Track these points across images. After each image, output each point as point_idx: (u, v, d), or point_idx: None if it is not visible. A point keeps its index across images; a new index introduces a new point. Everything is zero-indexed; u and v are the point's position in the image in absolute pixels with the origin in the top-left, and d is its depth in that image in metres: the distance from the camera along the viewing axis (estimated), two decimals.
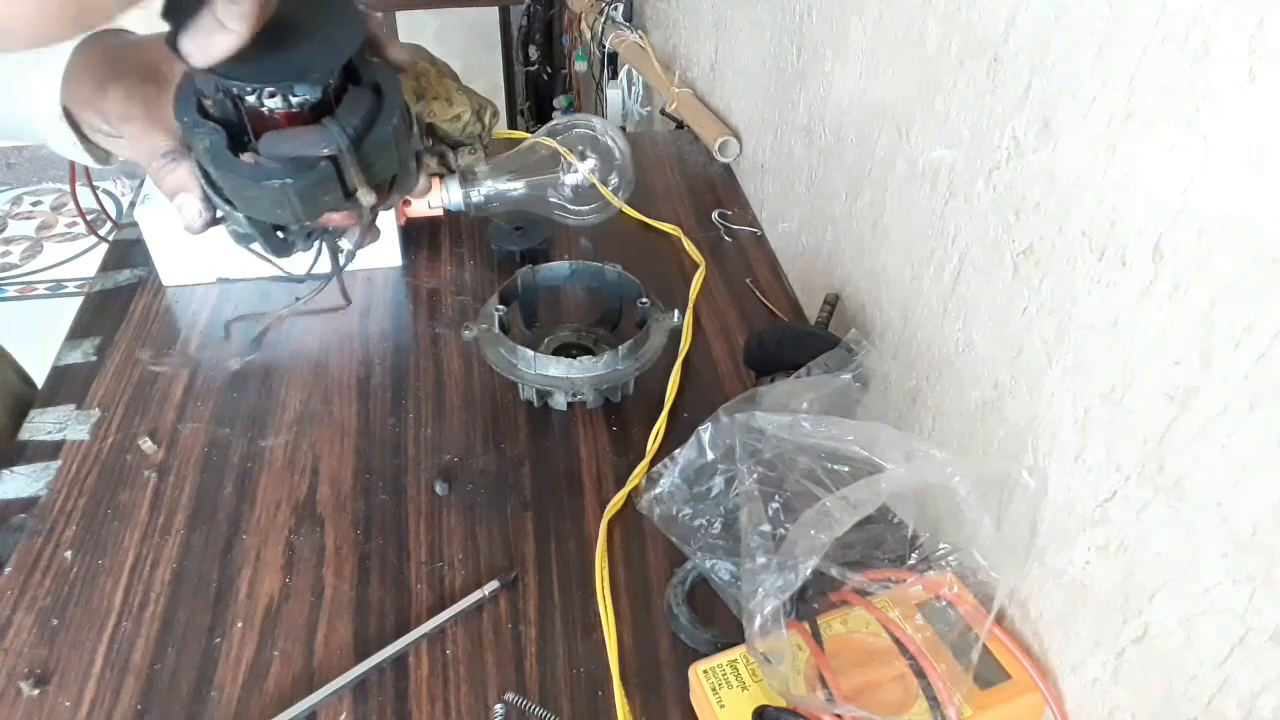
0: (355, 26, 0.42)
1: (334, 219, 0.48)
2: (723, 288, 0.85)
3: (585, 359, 0.66)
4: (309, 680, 0.51)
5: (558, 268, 0.76)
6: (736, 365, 0.75)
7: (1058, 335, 0.46)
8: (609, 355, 0.66)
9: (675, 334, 0.71)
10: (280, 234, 0.48)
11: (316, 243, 0.51)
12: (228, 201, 0.44)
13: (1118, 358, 0.42)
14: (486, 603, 0.56)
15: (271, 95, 0.41)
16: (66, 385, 0.71)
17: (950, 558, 0.53)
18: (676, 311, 0.71)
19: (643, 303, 0.71)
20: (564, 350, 0.73)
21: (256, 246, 0.49)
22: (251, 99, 0.41)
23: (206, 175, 0.44)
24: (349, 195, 0.44)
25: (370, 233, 0.54)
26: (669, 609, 0.55)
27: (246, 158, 0.42)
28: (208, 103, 0.42)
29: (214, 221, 0.46)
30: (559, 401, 0.68)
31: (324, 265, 0.54)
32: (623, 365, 0.67)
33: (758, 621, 0.46)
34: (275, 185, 0.42)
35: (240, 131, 0.42)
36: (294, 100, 0.41)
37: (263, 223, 0.46)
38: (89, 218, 0.78)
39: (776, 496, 0.53)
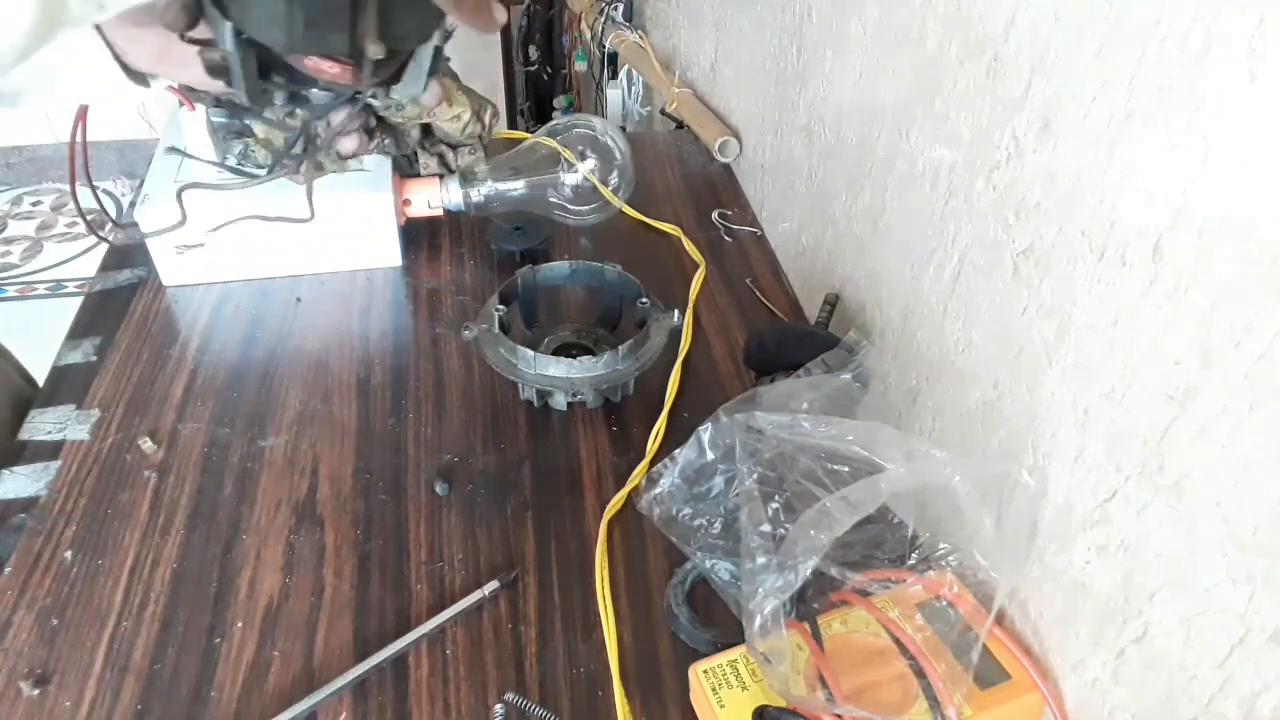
0: None
1: (326, 68, 0.42)
2: (723, 288, 0.85)
3: (585, 359, 0.66)
4: (309, 680, 0.51)
5: (558, 268, 0.76)
6: (736, 365, 0.75)
7: (1058, 335, 0.46)
8: (609, 355, 0.66)
9: (675, 334, 0.71)
10: (261, 78, 0.43)
11: (294, 113, 0.46)
12: (221, 9, 0.39)
13: (1118, 358, 0.42)
14: (486, 603, 0.56)
15: None
16: (66, 385, 0.71)
17: (950, 558, 0.53)
18: (676, 311, 0.71)
19: (643, 303, 0.71)
20: (564, 350, 0.73)
21: (234, 93, 0.43)
22: None
23: None
24: (355, 43, 0.40)
25: (358, 135, 0.49)
26: (669, 609, 0.55)
27: None
28: None
29: (193, 22, 0.40)
30: (559, 401, 0.68)
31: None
32: (623, 365, 0.66)
33: (758, 621, 0.46)
34: None
35: None
36: None
37: (247, 47, 0.41)
38: (89, 218, 0.78)
39: (776, 496, 0.53)
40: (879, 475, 0.49)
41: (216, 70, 0.42)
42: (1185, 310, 0.38)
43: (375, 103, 0.48)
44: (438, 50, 0.45)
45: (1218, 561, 0.37)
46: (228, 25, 0.39)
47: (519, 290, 0.74)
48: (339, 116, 0.48)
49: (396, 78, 0.46)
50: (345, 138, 0.50)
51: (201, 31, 0.41)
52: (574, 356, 0.67)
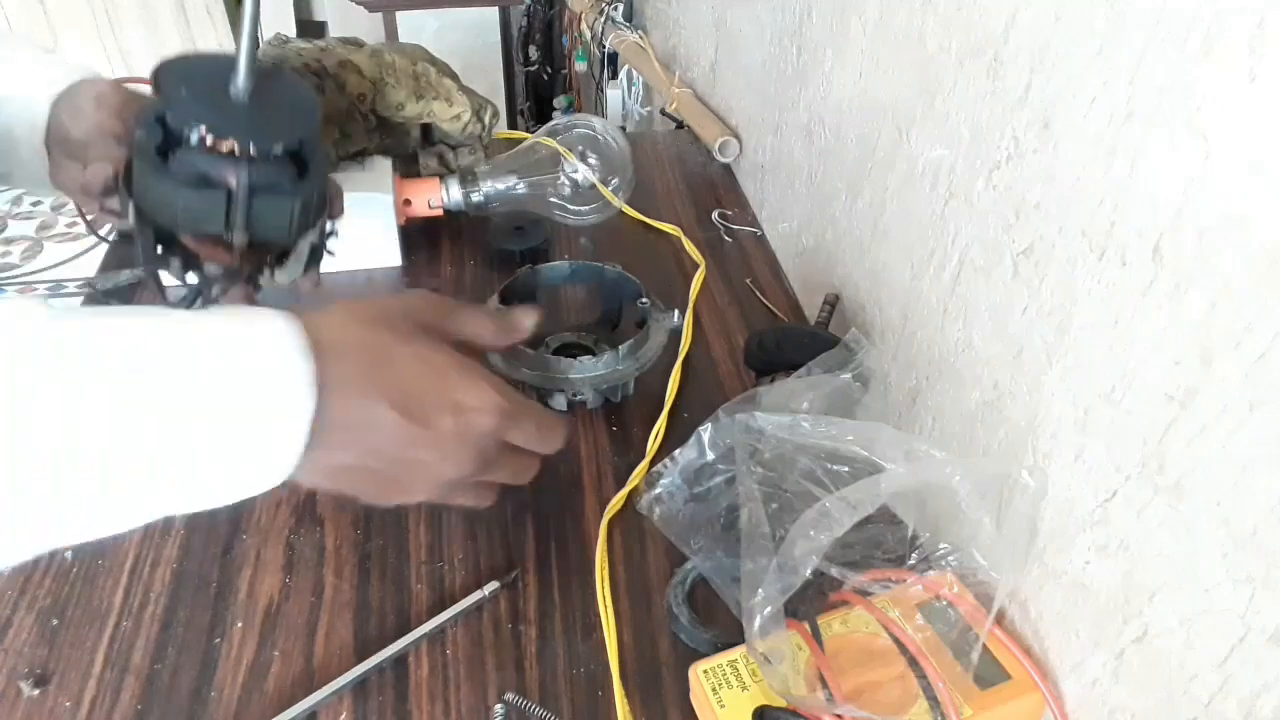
0: (307, 121, 0.52)
1: (205, 249, 0.52)
2: (723, 288, 0.85)
3: (586, 359, 0.66)
4: (309, 680, 0.51)
5: (558, 267, 0.76)
6: (736, 365, 0.75)
7: (1058, 335, 0.46)
8: (609, 355, 0.66)
9: (675, 334, 0.71)
10: (159, 246, 0.53)
11: (187, 276, 0.56)
12: (129, 190, 0.50)
13: (1118, 358, 0.42)
14: (486, 603, 0.56)
15: (220, 138, 0.47)
16: None
17: (950, 558, 0.53)
18: (676, 312, 0.71)
19: (643, 303, 0.71)
20: (564, 350, 0.73)
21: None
22: (200, 136, 0.47)
23: (128, 169, 0.50)
24: (228, 231, 0.49)
25: (236, 290, 0.58)
26: (669, 609, 0.55)
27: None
28: (169, 117, 0.48)
29: (109, 195, 0.52)
30: (559, 402, 0.68)
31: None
32: (623, 365, 0.66)
33: (758, 621, 0.46)
34: (170, 185, 0.47)
35: (179, 144, 0.48)
36: (248, 149, 0.48)
37: (145, 225, 0.51)
38: (89, 218, 0.78)
39: (776, 496, 0.53)
40: (879, 475, 0.49)
41: (125, 235, 0.54)
42: (1185, 310, 0.38)
43: (261, 281, 0.58)
44: (315, 246, 0.56)
45: (1218, 561, 0.37)
46: (131, 203, 0.50)
47: (519, 290, 0.74)
48: (225, 289, 0.56)
49: (280, 263, 0.56)
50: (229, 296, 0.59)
51: (114, 204, 0.53)
52: (574, 356, 0.67)
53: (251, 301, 0.58)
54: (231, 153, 0.48)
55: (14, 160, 0.56)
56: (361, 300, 0.44)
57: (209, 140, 0.47)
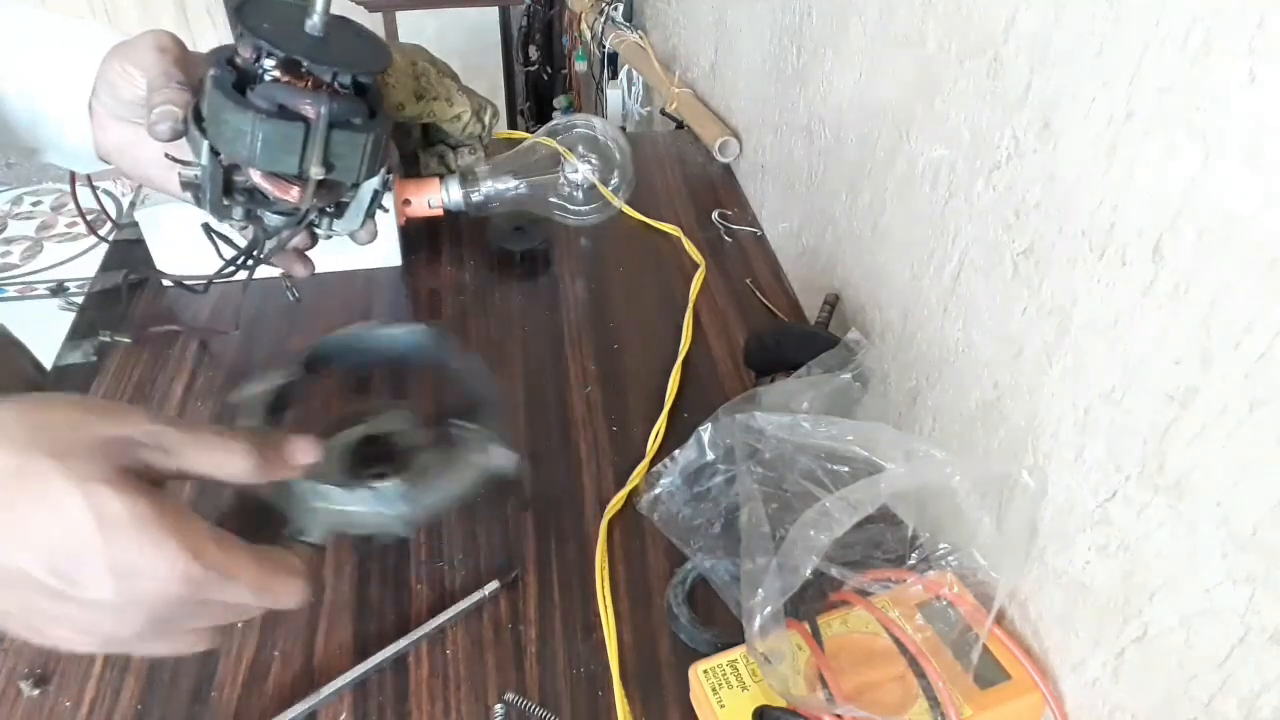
0: (381, 58, 0.51)
1: (276, 187, 0.51)
2: (723, 288, 0.85)
3: (328, 489, 0.44)
4: (309, 680, 0.51)
5: (391, 339, 0.56)
6: (736, 365, 0.75)
7: (1058, 335, 0.46)
8: (363, 492, 0.44)
9: (495, 477, 0.49)
10: (225, 195, 0.52)
11: (248, 229, 0.55)
12: (201, 130, 0.49)
13: (1118, 358, 0.42)
14: (486, 603, 0.56)
15: (293, 66, 0.48)
16: (67, 385, 0.71)
17: (950, 558, 0.53)
18: (504, 451, 0.49)
19: (455, 424, 0.48)
20: (374, 444, 0.50)
21: (205, 215, 0.53)
22: (272, 68, 0.47)
23: (197, 108, 0.49)
24: (302, 165, 0.48)
25: (298, 256, 0.58)
26: (669, 609, 0.55)
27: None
28: (239, 60, 0.48)
29: (178, 135, 0.50)
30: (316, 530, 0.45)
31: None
32: (387, 509, 0.45)
33: (758, 621, 0.46)
34: (249, 116, 0.47)
35: (251, 83, 0.48)
36: (320, 77, 0.48)
37: (216, 165, 0.50)
38: (89, 218, 0.78)
39: (776, 496, 0.53)
40: (879, 475, 0.49)
41: (189, 186, 0.51)
42: (1185, 310, 0.38)
43: (319, 231, 0.57)
44: (376, 193, 0.55)
45: (1218, 561, 0.37)
46: (205, 142, 0.49)
47: (333, 354, 0.55)
48: (285, 235, 0.56)
49: (339, 213, 0.55)
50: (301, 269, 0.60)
51: (177, 152, 0.51)
52: (379, 463, 0.47)
53: (309, 249, 0.59)
54: (307, 87, 0.49)
55: (51, 134, 0.56)
56: (43, 403, 0.35)
57: (284, 77, 0.48)
